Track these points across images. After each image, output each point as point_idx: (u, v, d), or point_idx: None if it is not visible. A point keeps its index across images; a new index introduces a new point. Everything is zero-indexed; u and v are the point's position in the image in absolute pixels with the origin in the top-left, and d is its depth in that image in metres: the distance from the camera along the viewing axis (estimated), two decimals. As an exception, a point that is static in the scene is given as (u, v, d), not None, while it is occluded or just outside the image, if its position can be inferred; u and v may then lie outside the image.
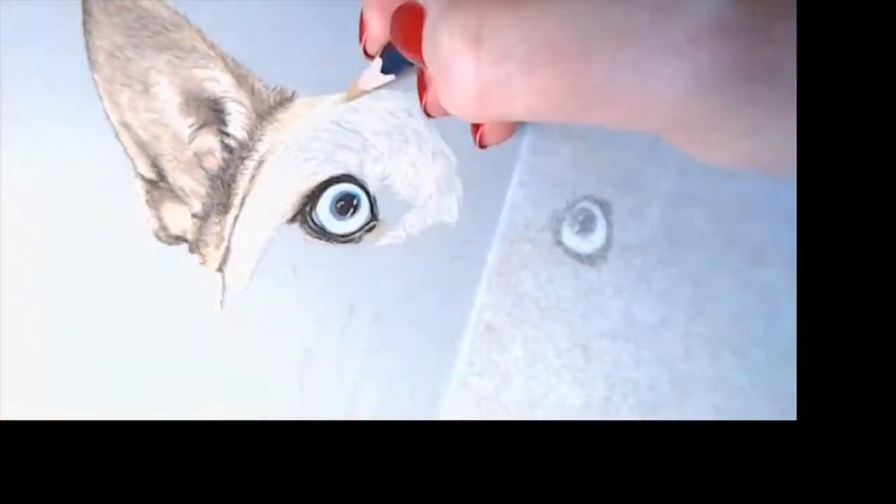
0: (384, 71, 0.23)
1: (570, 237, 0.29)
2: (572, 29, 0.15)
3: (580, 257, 0.29)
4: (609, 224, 0.29)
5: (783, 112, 0.15)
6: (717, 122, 0.16)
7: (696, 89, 0.15)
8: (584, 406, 0.29)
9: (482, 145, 0.25)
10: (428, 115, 0.23)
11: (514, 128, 0.26)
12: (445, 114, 0.20)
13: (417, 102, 0.29)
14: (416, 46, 0.18)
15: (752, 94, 0.15)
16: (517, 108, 0.17)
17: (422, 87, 0.23)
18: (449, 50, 0.16)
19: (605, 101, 0.16)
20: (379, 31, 0.22)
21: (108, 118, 0.28)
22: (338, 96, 0.28)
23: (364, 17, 0.22)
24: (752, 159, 0.17)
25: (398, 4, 0.20)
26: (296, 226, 0.28)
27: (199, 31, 0.28)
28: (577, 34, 0.15)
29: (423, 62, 0.19)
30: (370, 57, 0.23)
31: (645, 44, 0.15)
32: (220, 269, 0.28)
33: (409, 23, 0.19)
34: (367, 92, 0.24)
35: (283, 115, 0.28)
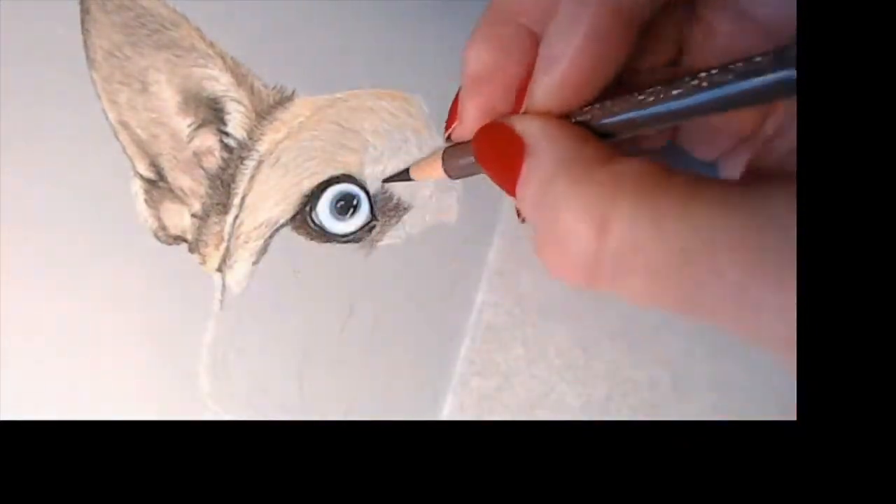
0: (450, 174, 0.22)
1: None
2: (705, 239, 0.15)
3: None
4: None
5: None
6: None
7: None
8: (585, 405, 0.29)
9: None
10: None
11: None
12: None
13: (417, 102, 0.29)
14: (508, 179, 0.18)
15: None
16: (624, 295, 0.16)
17: (452, 115, 0.21)
18: (570, 226, 0.16)
19: (712, 313, 0.15)
20: (475, 126, 0.20)
21: (106, 117, 0.28)
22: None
23: (459, 109, 0.20)
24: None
25: (494, 116, 0.19)
26: (296, 226, 0.28)
27: (197, 29, 0.28)
28: (710, 246, 0.15)
29: (513, 195, 0.18)
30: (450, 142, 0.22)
31: (773, 284, 0.14)
32: (219, 269, 0.28)
33: (504, 154, 0.18)
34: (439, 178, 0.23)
35: (282, 115, 0.28)
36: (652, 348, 0.29)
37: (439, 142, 0.29)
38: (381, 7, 0.29)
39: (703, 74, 0.16)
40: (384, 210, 0.28)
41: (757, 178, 0.17)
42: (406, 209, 0.28)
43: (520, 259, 0.29)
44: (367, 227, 0.28)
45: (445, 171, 0.22)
